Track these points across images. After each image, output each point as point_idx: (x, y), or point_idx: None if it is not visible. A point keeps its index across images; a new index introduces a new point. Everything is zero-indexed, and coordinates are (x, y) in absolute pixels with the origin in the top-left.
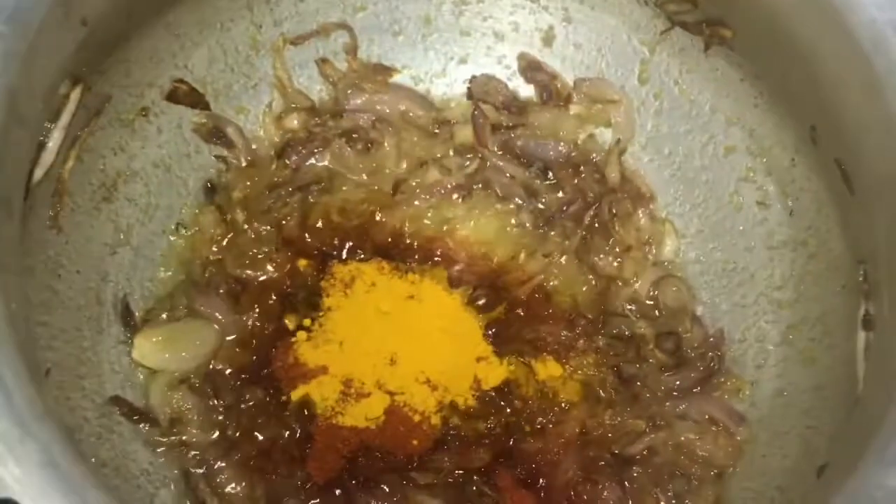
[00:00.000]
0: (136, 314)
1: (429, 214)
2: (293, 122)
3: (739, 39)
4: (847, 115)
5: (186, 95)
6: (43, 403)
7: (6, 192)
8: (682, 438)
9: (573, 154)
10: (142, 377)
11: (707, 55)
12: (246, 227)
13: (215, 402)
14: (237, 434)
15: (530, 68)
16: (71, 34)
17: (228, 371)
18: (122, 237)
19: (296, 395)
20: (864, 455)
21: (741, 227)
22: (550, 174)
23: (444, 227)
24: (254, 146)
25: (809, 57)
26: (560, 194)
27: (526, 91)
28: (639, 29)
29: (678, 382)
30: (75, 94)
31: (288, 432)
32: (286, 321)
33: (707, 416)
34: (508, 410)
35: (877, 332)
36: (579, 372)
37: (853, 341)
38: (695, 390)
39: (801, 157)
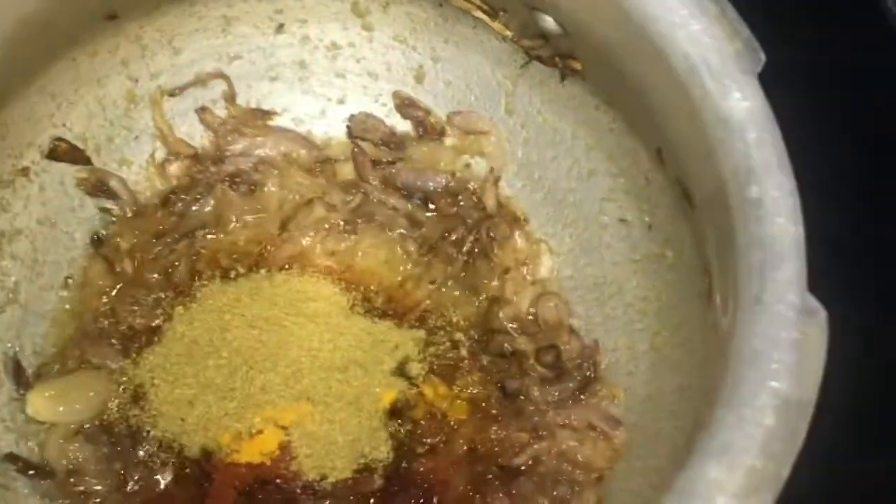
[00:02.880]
0: (28, 371)
1: (316, 250)
2: (177, 170)
3: (589, 71)
4: (678, 141)
5: (67, 153)
6: None
7: None
8: (564, 446)
9: (451, 184)
10: (37, 431)
11: (564, 85)
12: (135, 276)
13: (112, 449)
14: (136, 479)
15: (405, 105)
16: None
17: (123, 418)
18: (9, 296)
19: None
20: (691, 451)
21: (608, 244)
22: (431, 204)
23: (332, 261)
24: (139, 196)
25: (642, 88)
26: (441, 223)
27: (403, 126)
28: (500, 63)
29: (558, 393)
30: None
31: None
32: None
33: (586, 423)
34: (400, 433)
35: (718, 338)
36: (466, 391)
37: (708, 345)
38: (574, 399)
39: (653, 175)
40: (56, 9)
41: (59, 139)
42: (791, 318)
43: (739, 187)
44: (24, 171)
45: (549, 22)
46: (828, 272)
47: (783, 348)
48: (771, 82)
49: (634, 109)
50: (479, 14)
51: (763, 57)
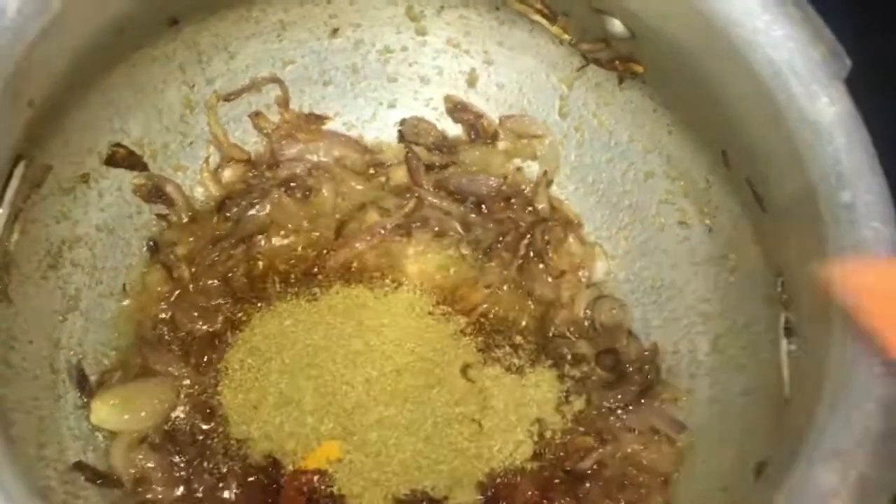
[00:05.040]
0: (91, 378)
1: (371, 254)
2: (231, 175)
3: (650, 74)
4: (754, 144)
5: (125, 159)
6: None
7: None
8: (629, 450)
9: (504, 187)
10: (102, 440)
11: (621, 88)
12: (192, 282)
13: (178, 458)
14: (201, 488)
15: (457, 109)
16: (19, 117)
17: (188, 425)
18: (71, 303)
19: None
20: (797, 454)
21: (665, 247)
22: (484, 208)
23: (389, 265)
24: (194, 202)
25: (716, 92)
26: (495, 226)
27: (454, 130)
28: (556, 67)
29: (620, 396)
30: (18, 171)
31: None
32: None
33: (649, 426)
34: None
35: (797, 340)
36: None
37: (778, 347)
38: (636, 403)
39: (715, 178)
40: (129, 17)
41: (118, 145)
42: None
43: (830, 192)
44: (85, 178)
45: (616, 25)
46: None
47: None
48: (856, 87)
49: (700, 112)
50: (537, 17)
51: (848, 62)
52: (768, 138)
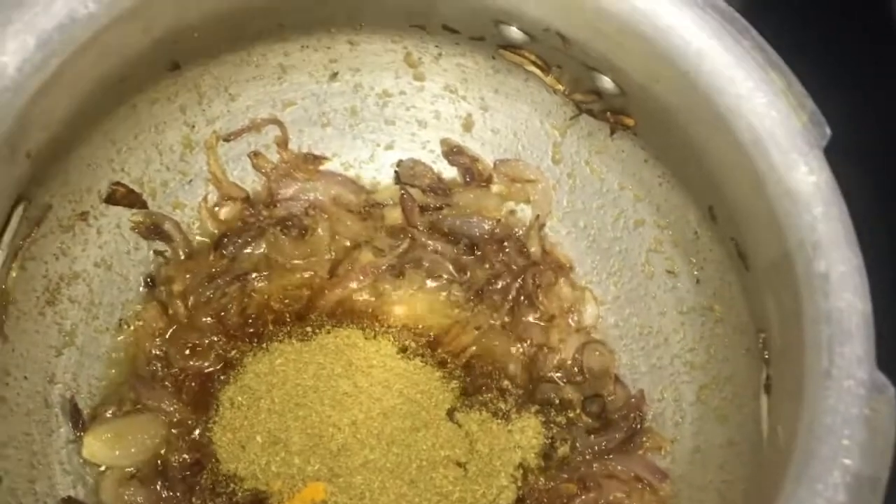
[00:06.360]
0: (84, 413)
1: (365, 294)
2: (229, 213)
3: (641, 128)
4: (736, 205)
5: (124, 197)
6: None
7: None
8: (611, 497)
9: (497, 230)
10: (92, 475)
11: (613, 139)
12: (187, 318)
13: (167, 493)
14: None
15: (452, 152)
16: (18, 168)
17: (178, 462)
18: (66, 338)
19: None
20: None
21: (654, 294)
22: (477, 250)
23: (381, 305)
24: (192, 239)
25: (701, 152)
26: (487, 268)
27: (450, 173)
28: (550, 115)
29: (605, 443)
30: (18, 211)
31: None
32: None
33: (633, 475)
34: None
35: (772, 398)
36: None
37: (758, 401)
38: (620, 450)
39: (703, 230)
40: (130, 65)
41: (118, 183)
42: (861, 395)
43: (806, 260)
44: (84, 216)
45: (606, 82)
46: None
47: (854, 425)
48: (836, 156)
49: (688, 168)
50: (532, 68)
51: (829, 131)
52: (749, 202)
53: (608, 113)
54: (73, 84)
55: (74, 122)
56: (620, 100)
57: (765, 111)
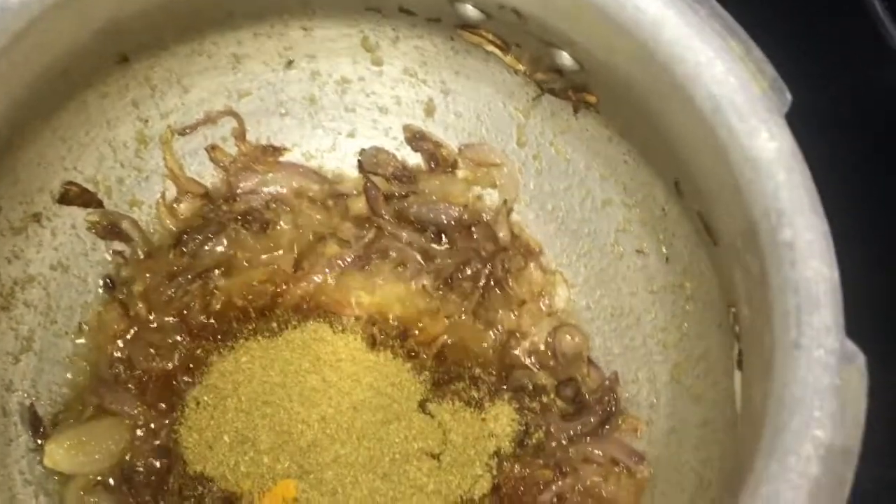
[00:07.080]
0: (45, 420)
1: (331, 287)
2: (188, 209)
3: (603, 104)
4: (701, 178)
5: (78, 196)
6: None
7: None
8: (588, 482)
9: (464, 216)
10: (55, 484)
11: (577, 118)
12: (149, 320)
13: (133, 499)
14: None
15: (415, 138)
16: None
17: (144, 466)
18: (24, 344)
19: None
20: (742, 483)
21: (624, 275)
22: (444, 237)
23: (348, 298)
24: (151, 237)
25: (664, 125)
26: (455, 255)
27: (414, 159)
28: (512, 96)
29: (580, 427)
30: None
31: None
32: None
33: (609, 458)
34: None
35: (744, 373)
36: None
37: (732, 377)
38: (596, 434)
39: (670, 206)
40: (72, 57)
41: (71, 183)
42: (831, 364)
43: (771, 229)
44: (36, 217)
45: (564, 58)
46: (860, 315)
47: (824, 395)
48: (798, 122)
49: (652, 143)
50: (491, 48)
51: (790, 97)
52: (713, 173)
53: (570, 91)
54: (8, 78)
55: (17, 118)
56: (581, 76)
57: (724, 78)
